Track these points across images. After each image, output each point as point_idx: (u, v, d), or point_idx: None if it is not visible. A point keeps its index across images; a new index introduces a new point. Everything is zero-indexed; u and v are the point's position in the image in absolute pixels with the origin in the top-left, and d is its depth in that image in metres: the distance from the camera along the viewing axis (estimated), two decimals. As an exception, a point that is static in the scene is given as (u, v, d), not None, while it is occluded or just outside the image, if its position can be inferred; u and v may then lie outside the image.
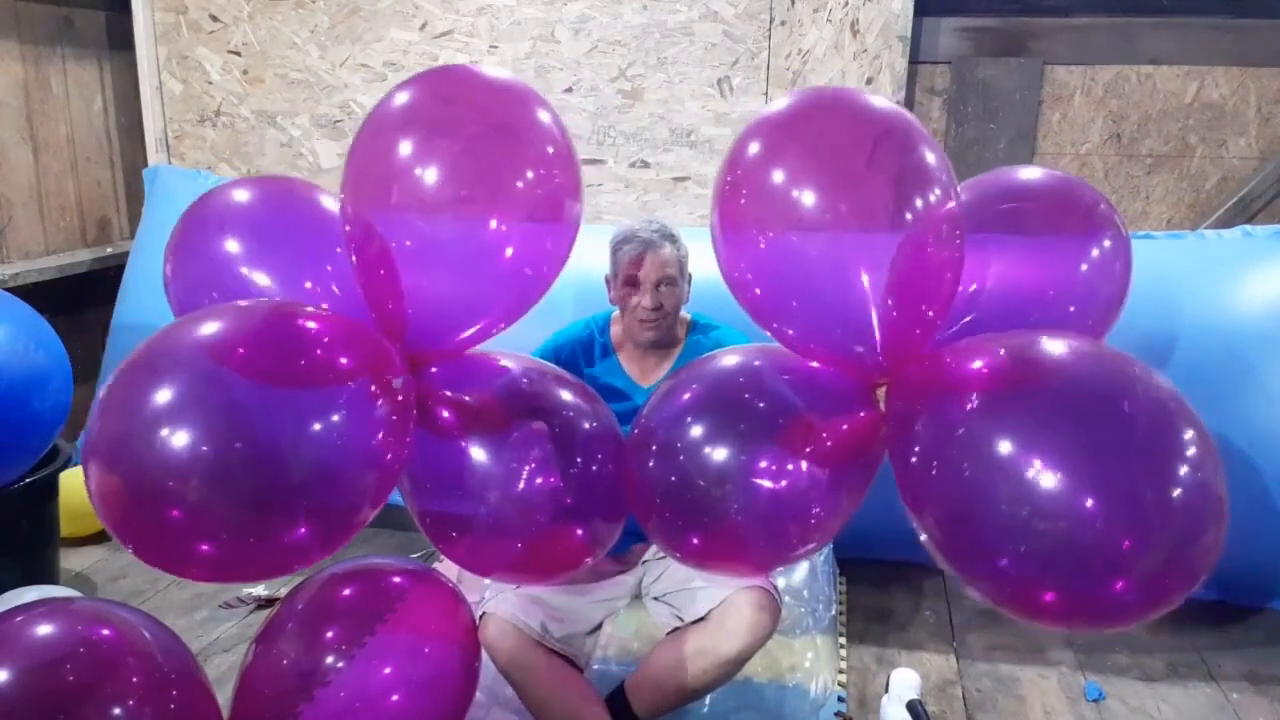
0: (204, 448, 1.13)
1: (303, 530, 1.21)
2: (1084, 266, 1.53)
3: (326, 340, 1.28)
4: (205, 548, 1.19)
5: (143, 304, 2.85)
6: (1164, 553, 1.10)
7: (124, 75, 3.28)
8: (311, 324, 1.30)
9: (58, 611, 1.25)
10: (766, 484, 1.33)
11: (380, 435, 1.27)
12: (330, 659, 1.37)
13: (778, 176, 1.29)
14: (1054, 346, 1.24)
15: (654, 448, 1.40)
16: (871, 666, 2.12)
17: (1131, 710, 2.00)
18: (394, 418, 1.30)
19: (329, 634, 1.39)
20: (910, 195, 1.28)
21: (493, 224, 1.34)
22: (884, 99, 1.41)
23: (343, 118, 3.15)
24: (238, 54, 3.17)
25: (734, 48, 2.88)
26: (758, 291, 1.37)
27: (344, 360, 1.27)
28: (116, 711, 1.16)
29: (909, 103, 2.94)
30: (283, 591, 2.36)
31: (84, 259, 3.11)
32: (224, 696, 1.38)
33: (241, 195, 1.64)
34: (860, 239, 1.27)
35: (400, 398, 1.32)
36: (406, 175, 1.32)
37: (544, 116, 1.41)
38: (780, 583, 1.70)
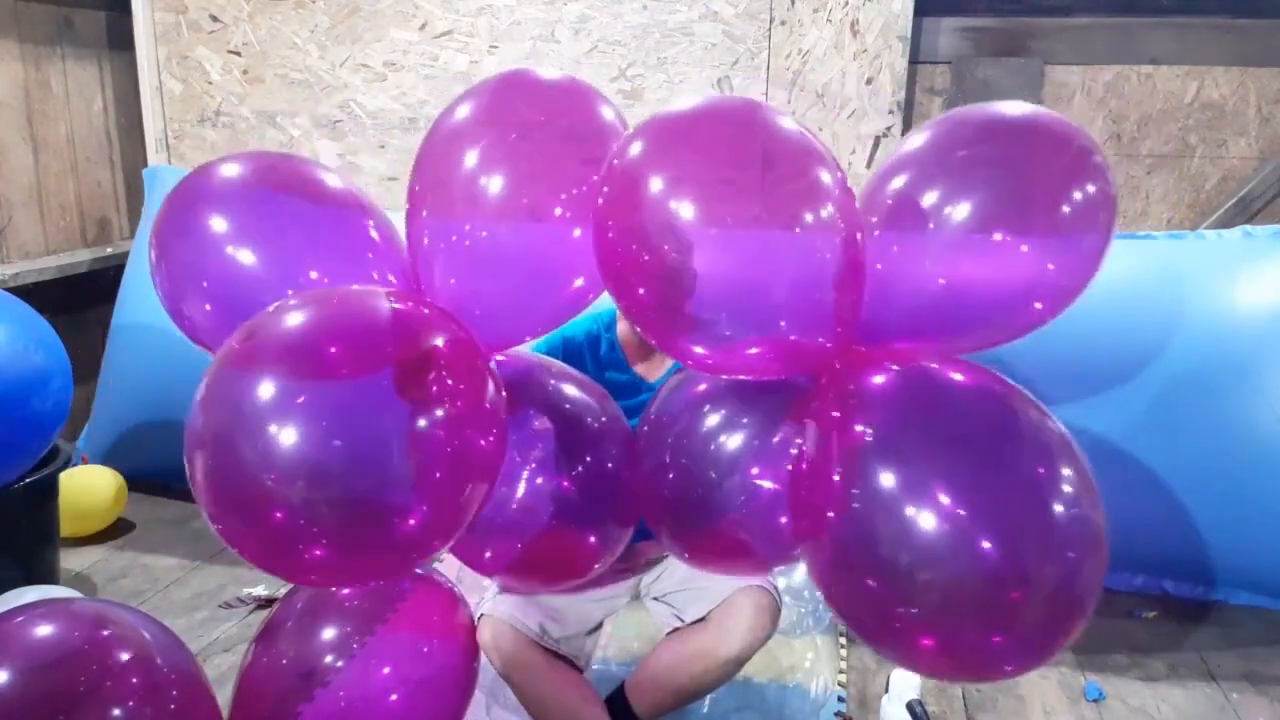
0: (307, 447, 1.08)
1: (413, 522, 1.16)
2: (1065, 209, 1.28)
3: (419, 326, 1.24)
4: (317, 552, 1.13)
5: (143, 304, 2.85)
6: (1045, 602, 1.06)
7: (124, 75, 3.28)
8: (399, 309, 1.25)
9: (58, 612, 1.25)
10: (771, 480, 1.34)
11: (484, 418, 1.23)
12: (329, 659, 1.37)
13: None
14: (944, 377, 1.19)
15: (661, 445, 1.42)
16: (871, 666, 2.12)
17: (1131, 710, 2.00)
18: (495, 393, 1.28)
19: (328, 634, 1.39)
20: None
21: (572, 230, 1.32)
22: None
23: (343, 118, 3.15)
24: (238, 54, 3.17)
25: (734, 48, 2.87)
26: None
27: (440, 342, 1.23)
28: (116, 712, 1.16)
29: (909, 102, 2.94)
30: (282, 592, 2.36)
31: (84, 259, 3.11)
32: (224, 696, 1.38)
33: (233, 171, 1.47)
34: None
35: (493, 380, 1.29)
36: (476, 182, 1.31)
37: (607, 113, 1.42)
38: (780, 583, 1.71)
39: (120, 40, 3.25)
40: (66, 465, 2.30)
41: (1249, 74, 2.80)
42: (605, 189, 1.20)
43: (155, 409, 2.83)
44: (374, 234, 1.49)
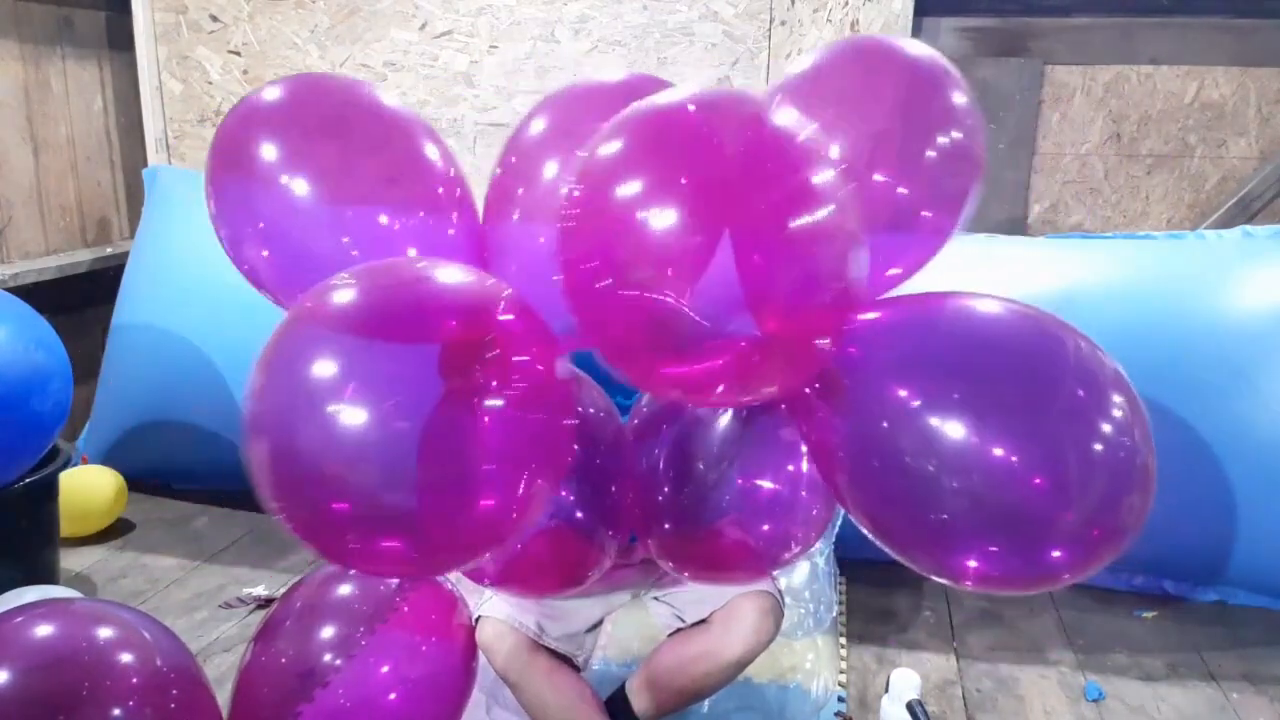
0: (370, 432, 1.01)
1: (491, 503, 1.10)
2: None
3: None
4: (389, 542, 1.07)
5: (143, 304, 2.85)
6: (1087, 515, 1.06)
7: (124, 75, 3.28)
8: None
9: (57, 612, 1.25)
10: (762, 483, 1.35)
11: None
12: (328, 658, 1.37)
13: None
14: (986, 307, 1.18)
15: (651, 452, 1.41)
16: (871, 666, 2.12)
17: (1131, 710, 2.00)
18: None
19: (327, 634, 1.39)
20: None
21: None
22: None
23: (343, 118, 3.15)
24: (238, 54, 3.17)
25: (734, 48, 2.87)
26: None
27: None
28: (116, 712, 1.16)
29: (909, 103, 2.94)
30: (281, 591, 2.36)
31: (84, 259, 3.11)
32: (224, 697, 1.38)
33: (288, 94, 1.37)
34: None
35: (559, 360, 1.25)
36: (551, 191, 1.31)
37: None
38: (781, 583, 1.71)
39: (120, 40, 3.25)
40: (66, 465, 2.30)
41: (1249, 74, 2.80)
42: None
43: (155, 409, 2.83)
44: (439, 163, 1.43)
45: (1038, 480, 1.06)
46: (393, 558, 1.11)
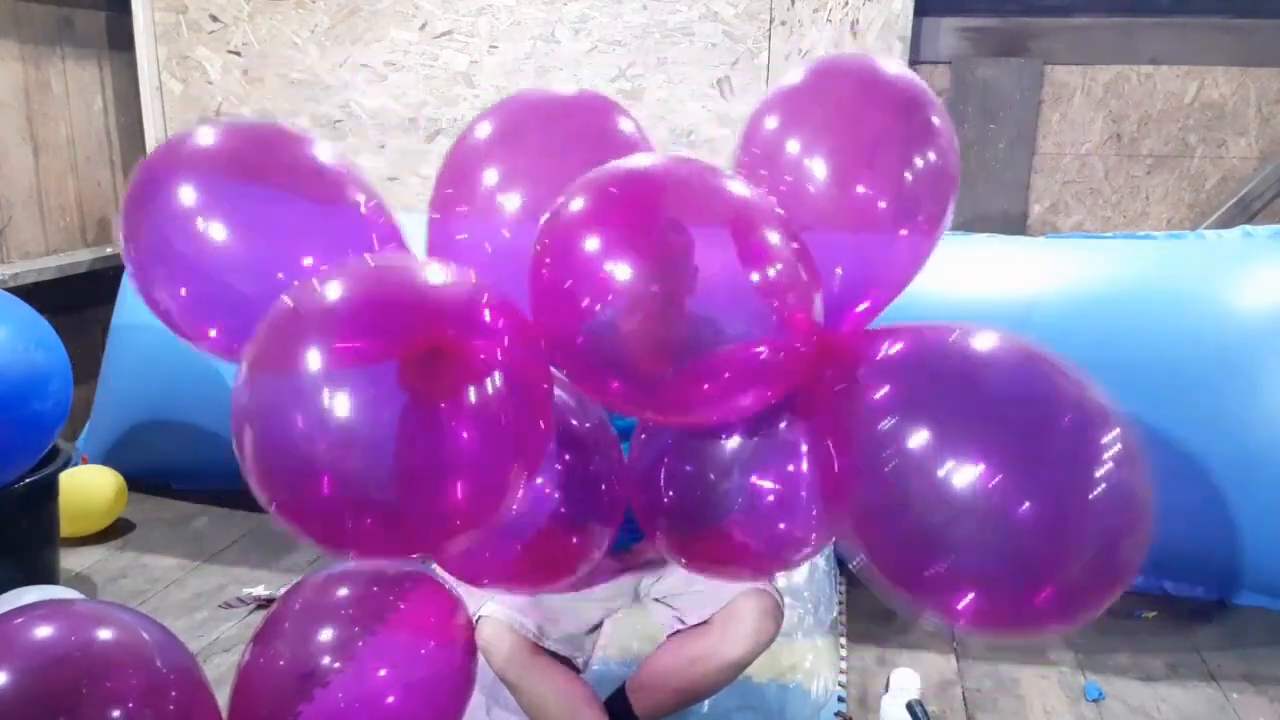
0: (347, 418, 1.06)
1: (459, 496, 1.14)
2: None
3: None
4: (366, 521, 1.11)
5: (143, 304, 2.85)
6: (1086, 559, 1.07)
7: (124, 75, 3.28)
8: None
9: (56, 613, 1.25)
10: (769, 485, 1.34)
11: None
12: (327, 660, 1.36)
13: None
14: (977, 341, 1.19)
15: (659, 454, 1.41)
16: (871, 666, 2.12)
17: (1131, 710, 2.00)
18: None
19: (326, 635, 1.39)
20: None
21: None
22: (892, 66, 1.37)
23: (343, 118, 3.15)
24: (238, 54, 3.17)
25: (734, 48, 2.87)
26: None
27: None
28: (115, 714, 1.16)
29: (909, 103, 2.94)
30: (282, 592, 2.36)
31: (84, 259, 3.11)
32: (224, 697, 1.38)
33: (208, 138, 1.38)
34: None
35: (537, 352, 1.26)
36: (492, 193, 1.36)
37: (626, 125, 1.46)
38: (780, 583, 1.71)
39: (120, 40, 3.25)
40: (66, 465, 2.30)
41: (1249, 74, 2.80)
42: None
43: (155, 409, 2.83)
44: (365, 211, 1.46)
45: (1033, 522, 1.06)
46: (372, 537, 1.14)
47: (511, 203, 1.36)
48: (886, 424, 1.13)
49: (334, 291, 1.14)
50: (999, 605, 1.10)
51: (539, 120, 1.45)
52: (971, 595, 1.09)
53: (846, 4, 2.80)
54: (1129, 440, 1.11)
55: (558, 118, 1.45)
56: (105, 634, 1.23)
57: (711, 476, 1.35)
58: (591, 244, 1.12)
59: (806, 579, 1.99)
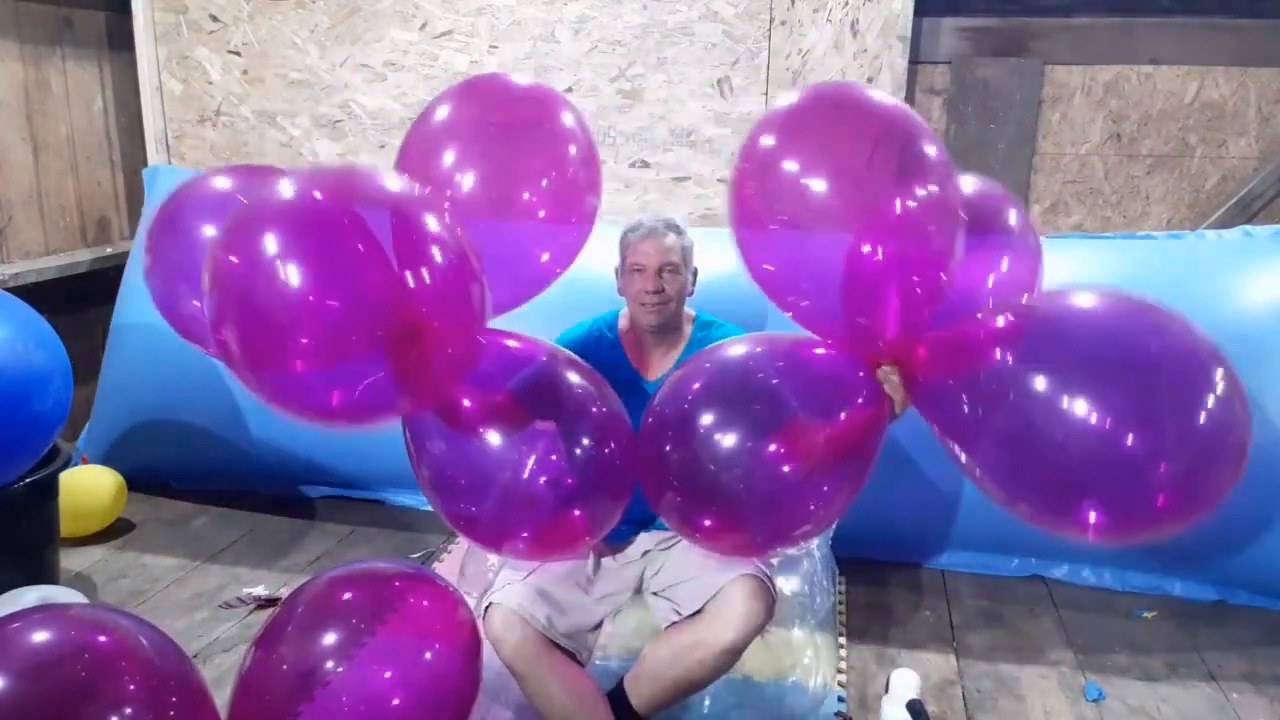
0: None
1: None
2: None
3: None
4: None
5: (143, 304, 2.83)
6: (1189, 469, 1.23)
7: (124, 75, 3.28)
8: None
9: (54, 618, 1.24)
10: (773, 466, 1.42)
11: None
12: (330, 664, 1.36)
13: (789, 166, 1.39)
14: (1087, 299, 1.35)
15: (668, 431, 1.49)
16: (871, 666, 2.12)
17: (1131, 710, 2.00)
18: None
19: (328, 638, 1.39)
20: (910, 185, 1.37)
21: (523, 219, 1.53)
22: (885, 94, 1.47)
23: (343, 118, 3.15)
24: (238, 54, 3.18)
25: (734, 48, 2.87)
26: (769, 268, 1.48)
27: None
28: (113, 719, 1.16)
29: (909, 103, 2.94)
30: (283, 592, 2.36)
31: (84, 259, 3.11)
32: (223, 698, 1.38)
33: (223, 182, 1.65)
34: (861, 225, 1.37)
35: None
36: (448, 180, 1.50)
37: (568, 118, 1.60)
38: (779, 582, 1.71)
39: (120, 40, 3.25)
40: (66, 465, 2.30)
41: (1249, 74, 2.80)
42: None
43: (155, 409, 2.83)
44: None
45: (1140, 442, 1.22)
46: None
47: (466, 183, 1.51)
48: (1007, 374, 1.29)
49: (288, 190, 1.29)
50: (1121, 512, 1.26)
51: (484, 107, 1.59)
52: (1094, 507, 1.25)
53: (846, 4, 2.80)
54: (1230, 379, 1.27)
55: (503, 106, 1.59)
56: (102, 639, 1.22)
57: (720, 455, 1.44)
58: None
59: (805, 576, 1.99)
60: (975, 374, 1.34)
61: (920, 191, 1.36)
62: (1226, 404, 1.26)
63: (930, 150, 1.39)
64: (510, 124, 1.55)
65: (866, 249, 1.36)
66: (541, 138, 1.57)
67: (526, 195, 1.54)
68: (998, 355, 1.32)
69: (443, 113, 1.57)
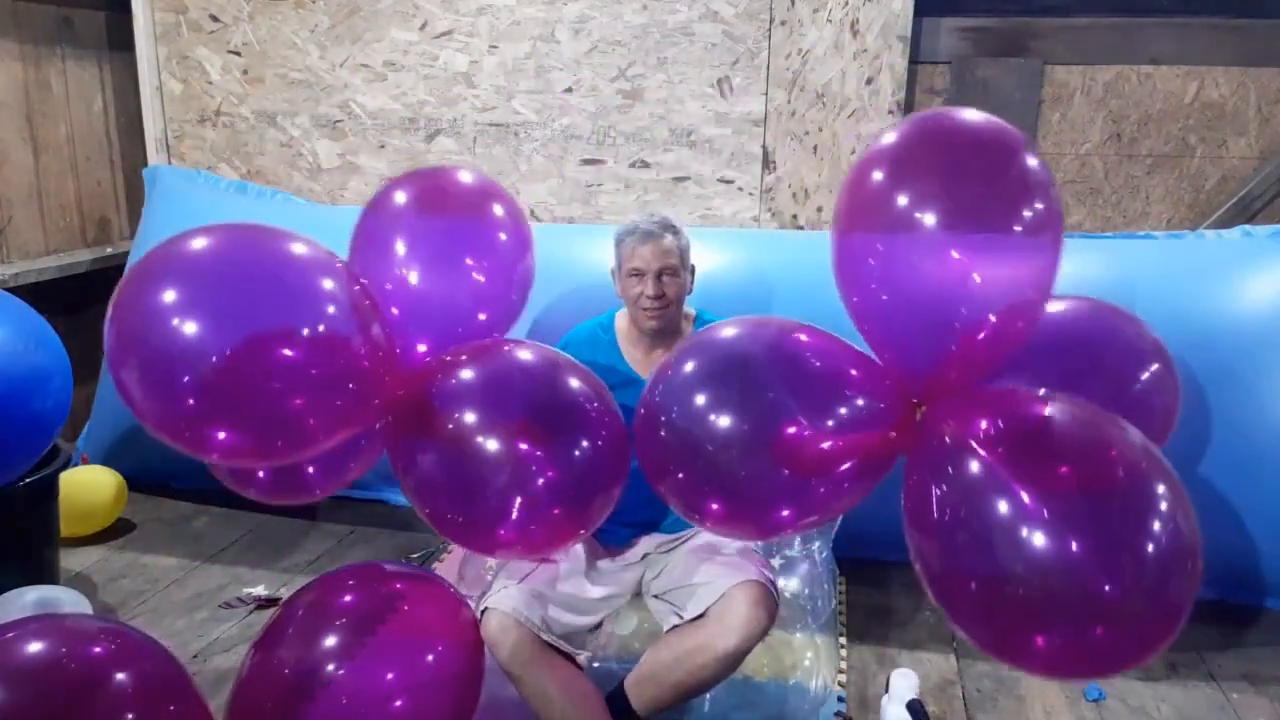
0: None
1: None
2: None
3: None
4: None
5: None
6: (1142, 600, 1.26)
7: (124, 75, 3.28)
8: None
9: (47, 628, 1.23)
10: (780, 456, 1.42)
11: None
12: (330, 666, 1.36)
13: (900, 200, 1.46)
14: (1058, 411, 1.35)
15: (665, 413, 1.49)
16: (871, 666, 2.12)
17: (1131, 710, 2.00)
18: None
19: (329, 640, 1.39)
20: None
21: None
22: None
23: (343, 118, 3.15)
24: (238, 54, 3.17)
25: (734, 48, 2.87)
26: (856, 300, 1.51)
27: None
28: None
29: (909, 103, 2.94)
30: (283, 592, 2.36)
31: (84, 259, 3.11)
32: (223, 698, 1.38)
33: (199, 243, 1.58)
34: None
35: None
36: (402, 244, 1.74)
37: (499, 210, 1.82)
38: (779, 582, 1.71)
39: (120, 40, 3.25)
40: (66, 465, 2.30)
41: (1249, 74, 2.80)
42: None
43: (155, 409, 2.83)
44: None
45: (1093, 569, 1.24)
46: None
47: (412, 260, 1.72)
48: (972, 479, 1.30)
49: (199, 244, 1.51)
50: (1065, 647, 1.28)
51: (433, 198, 1.79)
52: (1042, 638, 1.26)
53: (846, 4, 2.80)
54: (1177, 488, 1.27)
55: (448, 200, 1.80)
56: (96, 649, 1.22)
57: (718, 439, 1.43)
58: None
59: (806, 576, 1.99)
60: (952, 457, 1.34)
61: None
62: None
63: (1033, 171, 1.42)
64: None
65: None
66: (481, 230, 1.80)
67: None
68: (970, 451, 1.32)
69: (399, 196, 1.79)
